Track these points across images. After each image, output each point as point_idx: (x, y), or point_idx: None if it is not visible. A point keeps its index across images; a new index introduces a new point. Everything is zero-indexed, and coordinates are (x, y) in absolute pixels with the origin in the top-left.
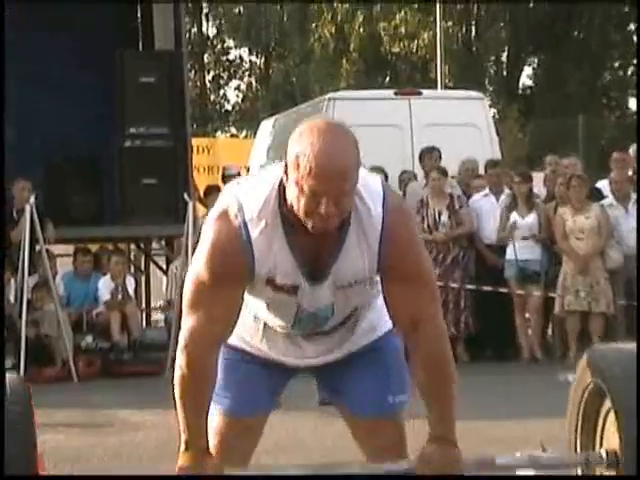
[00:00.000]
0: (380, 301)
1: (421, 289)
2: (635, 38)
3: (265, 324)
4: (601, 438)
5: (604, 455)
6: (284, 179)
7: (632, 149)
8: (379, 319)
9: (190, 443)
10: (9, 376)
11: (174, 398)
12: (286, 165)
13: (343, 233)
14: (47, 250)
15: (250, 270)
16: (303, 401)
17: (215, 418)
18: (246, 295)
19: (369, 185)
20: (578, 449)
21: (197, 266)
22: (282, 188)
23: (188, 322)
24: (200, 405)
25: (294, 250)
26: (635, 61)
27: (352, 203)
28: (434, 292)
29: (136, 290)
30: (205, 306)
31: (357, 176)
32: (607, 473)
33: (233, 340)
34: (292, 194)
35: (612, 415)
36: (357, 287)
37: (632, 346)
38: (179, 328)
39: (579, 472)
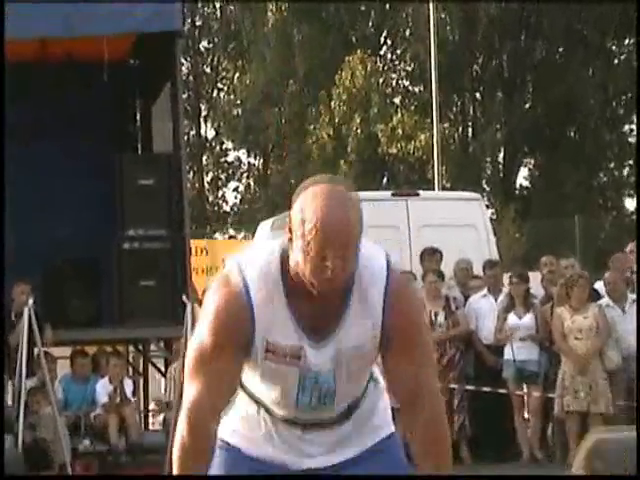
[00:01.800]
0: (382, 403)
1: (423, 362)
2: (631, 139)
3: (267, 410)
4: None
5: None
6: (288, 245)
7: (629, 248)
8: (382, 421)
9: None
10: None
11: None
12: (290, 229)
13: (346, 299)
14: (47, 353)
15: (251, 334)
16: None
17: None
18: (246, 379)
19: (372, 258)
20: None
21: (199, 333)
22: (284, 255)
23: (190, 391)
24: (199, 468)
25: (296, 315)
26: (632, 162)
27: (356, 264)
28: (433, 360)
29: (134, 392)
30: (206, 376)
31: (359, 241)
32: None
33: (229, 438)
34: (298, 258)
35: None
36: (359, 360)
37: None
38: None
39: None
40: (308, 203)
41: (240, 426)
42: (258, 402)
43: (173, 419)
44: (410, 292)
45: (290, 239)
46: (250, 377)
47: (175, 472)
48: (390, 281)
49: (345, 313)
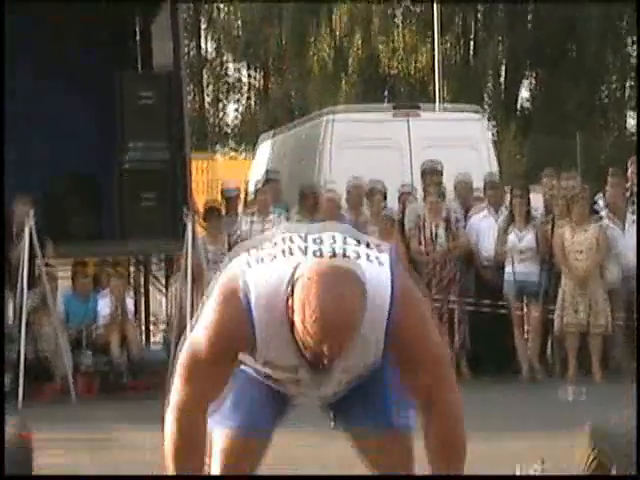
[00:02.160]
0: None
1: (435, 370)
2: (633, 57)
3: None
4: None
5: None
6: (290, 303)
7: (630, 168)
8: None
9: None
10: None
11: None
12: (293, 299)
13: None
14: (48, 272)
15: (250, 350)
16: (304, 416)
17: (220, 439)
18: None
19: (377, 284)
20: None
21: (197, 339)
22: (291, 290)
23: (181, 393)
24: (189, 469)
25: (298, 346)
26: (633, 78)
27: (351, 343)
28: (448, 367)
29: (135, 308)
30: (199, 382)
31: (360, 323)
32: None
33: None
34: (297, 327)
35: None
36: (363, 368)
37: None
38: (178, 347)
39: None
40: (312, 292)
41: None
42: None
43: (173, 336)
44: (414, 305)
45: (292, 302)
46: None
47: (169, 471)
48: (394, 305)
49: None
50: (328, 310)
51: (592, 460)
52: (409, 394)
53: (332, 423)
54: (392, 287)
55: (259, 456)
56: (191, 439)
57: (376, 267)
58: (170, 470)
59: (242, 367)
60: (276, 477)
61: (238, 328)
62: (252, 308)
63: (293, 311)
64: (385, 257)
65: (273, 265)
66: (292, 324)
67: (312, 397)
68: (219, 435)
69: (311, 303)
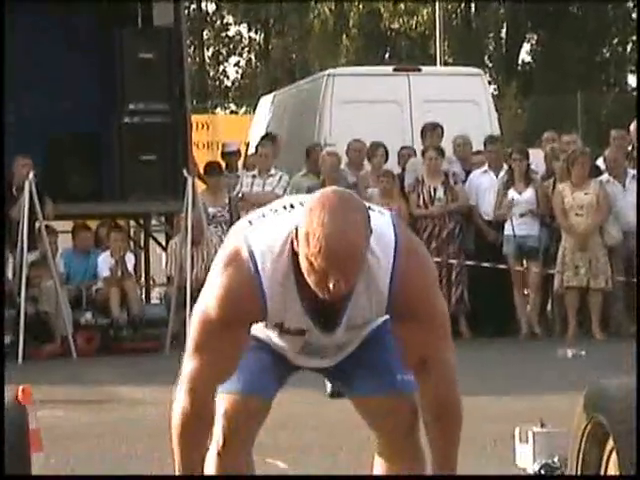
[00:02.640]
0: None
1: (433, 330)
2: (634, 15)
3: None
4: (606, 472)
5: None
6: (295, 245)
7: (632, 126)
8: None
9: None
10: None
11: (174, 378)
12: (297, 233)
13: (352, 289)
14: (48, 226)
15: (261, 316)
16: (305, 379)
17: (226, 399)
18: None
19: (380, 235)
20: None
21: (206, 308)
22: (292, 251)
23: (193, 364)
24: (198, 444)
25: (305, 302)
26: (635, 37)
27: (362, 273)
28: (445, 329)
29: (135, 266)
30: (211, 350)
31: (366, 252)
32: None
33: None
34: (303, 265)
35: (614, 456)
36: (367, 325)
37: (632, 382)
38: (178, 304)
39: None
40: (315, 219)
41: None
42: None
43: (173, 294)
44: (419, 267)
45: (297, 241)
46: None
47: (175, 448)
48: (397, 260)
49: (351, 300)
50: (332, 238)
51: (587, 429)
52: (408, 357)
53: (328, 392)
54: (396, 240)
55: (260, 417)
56: (200, 413)
57: (378, 217)
58: (176, 444)
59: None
60: (277, 477)
61: (246, 291)
62: (259, 269)
63: (297, 254)
64: (387, 213)
65: (275, 218)
66: (299, 276)
67: (314, 366)
68: (221, 399)
69: (315, 232)
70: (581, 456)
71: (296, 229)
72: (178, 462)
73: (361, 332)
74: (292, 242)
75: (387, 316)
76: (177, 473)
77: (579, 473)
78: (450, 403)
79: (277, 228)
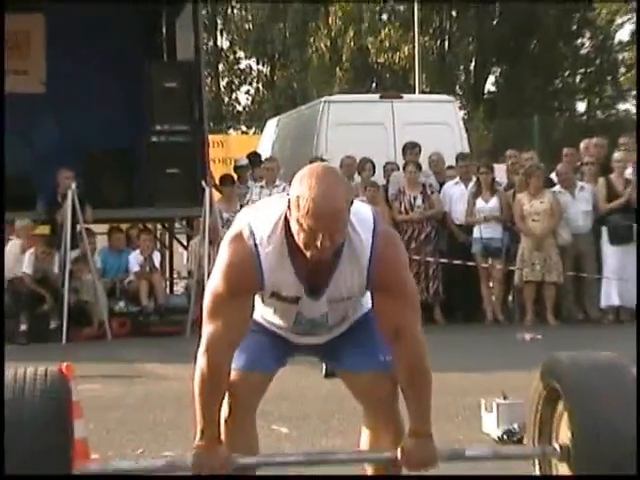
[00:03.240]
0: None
1: (404, 303)
2: (582, 51)
3: (273, 320)
4: (556, 434)
5: (557, 449)
6: (288, 213)
7: (582, 145)
8: (366, 301)
9: (205, 431)
10: (50, 370)
11: (194, 358)
12: (289, 202)
13: (337, 258)
14: (87, 229)
15: (260, 285)
16: (302, 359)
17: (230, 377)
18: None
19: (360, 215)
20: (536, 443)
21: (215, 281)
22: (287, 219)
23: (208, 329)
24: (216, 399)
25: (297, 271)
26: (582, 70)
27: (344, 236)
28: (415, 306)
29: (161, 263)
30: (222, 316)
31: (347, 216)
32: (560, 465)
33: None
34: (294, 228)
35: (565, 415)
36: (348, 301)
37: (584, 354)
38: (198, 294)
39: (536, 463)
40: (304, 185)
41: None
42: (264, 317)
43: (193, 286)
44: (393, 249)
45: (289, 209)
46: (258, 304)
47: (197, 403)
48: (376, 241)
49: (336, 271)
50: (319, 201)
51: (543, 394)
52: (382, 326)
53: (324, 373)
54: (374, 223)
55: (262, 388)
56: (216, 373)
57: (363, 205)
58: (197, 400)
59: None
60: (277, 477)
61: (248, 264)
62: (258, 244)
63: (290, 231)
64: (370, 206)
65: (273, 203)
66: (291, 248)
67: (308, 343)
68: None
69: (304, 196)
70: (538, 417)
71: (289, 201)
72: (199, 414)
73: (345, 310)
74: (285, 219)
75: (370, 306)
76: (199, 424)
77: (537, 432)
78: (420, 368)
79: (273, 210)
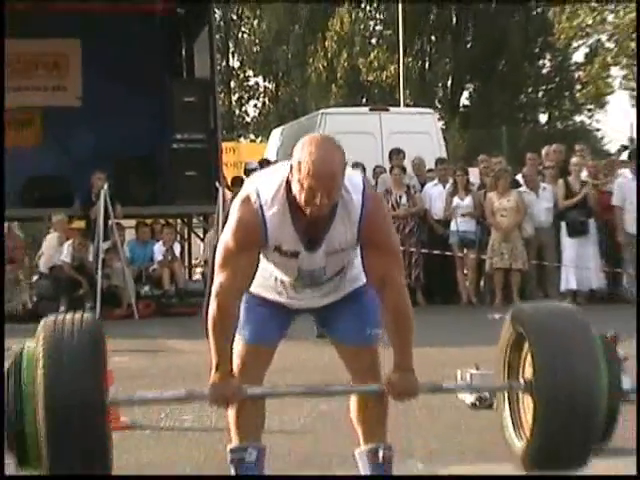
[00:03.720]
0: (359, 260)
1: (389, 256)
2: (544, 71)
3: (276, 278)
4: (523, 371)
5: (522, 383)
6: (290, 177)
7: (543, 151)
8: (359, 274)
9: (218, 366)
10: (87, 315)
11: (207, 332)
12: (292, 167)
13: (332, 215)
14: (117, 223)
15: (264, 240)
16: (303, 334)
17: (238, 347)
18: (262, 260)
19: (352, 180)
20: (505, 379)
21: (225, 237)
22: (289, 182)
23: (218, 277)
24: (226, 338)
25: (296, 227)
26: (545, 87)
27: (339, 196)
28: (399, 259)
29: (181, 253)
30: (231, 266)
31: (342, 177)
32: (525, 396)
33: (252, 289)
34: (295, 189)
35: (529, 354)
36: (342, 253)
37: (544, 303)
38: (212, 279)
39: (505, 395)
40: (305, 151)
41: (258, 284)
42: (270, 274)
43: (209, 273)
44: (380, 210)
45: (291, 173)
46: (264, 262)
47: (211, 343)
48: (365, 202)
49: (331, 226)
50: (318, 163)
51: (511, 337)
52: (371, 276)
53: (317, 334)
54: (363, 186)
55: (267, 360)
56: (227, 313)
57: (355, 172)
58: (211, 339)
59: (253, 292)
60: (277, 477)
61: (254, 222)
62: (263, 205)
63: (291, 191)
64: (359, 175)
65: (277, 170)
66: (292, 208)
67: (308, 301)
68: (237, 342)
69: (305, 159)
70: (507, 360)
71: (291, 166)
72: (213, 351)
73: (341, 264)
74: (287, 183)
75: (365, 280)
76: (213, 360)
77: (506, 372)
78: (403, 310)
79: (276, 176)
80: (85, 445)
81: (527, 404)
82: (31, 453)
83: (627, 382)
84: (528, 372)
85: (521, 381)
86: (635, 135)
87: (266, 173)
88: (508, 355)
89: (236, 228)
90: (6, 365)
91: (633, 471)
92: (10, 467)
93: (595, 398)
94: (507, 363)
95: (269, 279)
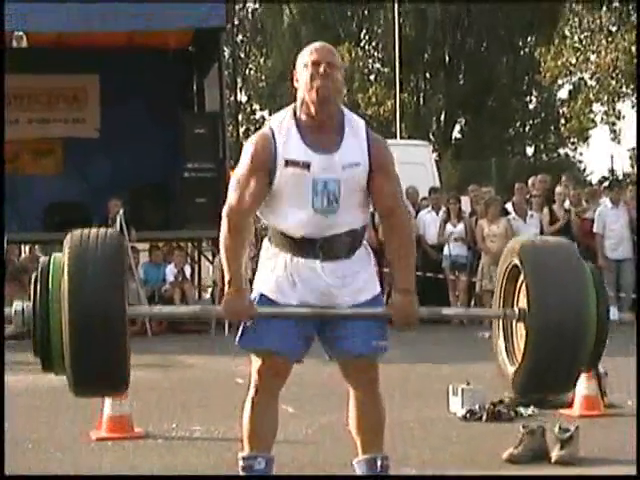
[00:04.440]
0: (371, 269)
1: (396, 185)
2: (531, 106)
3: (290, 251)
4: (518, 300)
5: (516, 311)
6: (295, 83)
7: (530, 181)
8: (370, 282)
9: (232, 282)
10: (110, 231)
11: (218, 351)
12: (296, 72)
13: (342, 131)
14: (132, 247)
15: (275, 157)
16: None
17: (258, 360)
18: (274, 220)
19: (357, 119)
20: (501, 307)
21: (241, 164)
22: (295, 108)
23: (230, 198)
24: (238, 255)
25: (305, 140)
26: (531, 121)
27: (340, 86)
28: (401, 191)
29: (191, 274)
30: (242, 187)
31: (340, 62)
32: (518, 324)
33: (263, 291)
34: (301, 77)
35: (524, 286)
36: (357, 171)
37: (540, 238)
38: (220, 301)
39: (500, 323)
40: (306, 49)
41: (266, 279)
42: (283, 247)
43: (217, 293)
44: (382, 139)
45: (297, 81)
46: (277, 213)
47: (222, 261)
48: (368, 131)
49: (343, 139)
50: (319, 45)
51: (507, 270)
52: (379, 202)
53: (327, 358)
54: (366, 123)
55: (283, 375)
56: (238, 229)
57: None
58: (223, 256)
59: (265, 294)
60: (277, 477)
61: (264, 141)
62: (272, 127)
63: (297, 113)
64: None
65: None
66: (298, 123)
67: (318, 281)
68: (256, 358)
69: (307, 47)
70: (503, 290)
71: (295, 71)
72: (226, 268)
73: (353, 177)
74: (293, 111)
75: (378, 290)
76: (226, 276)
77: (501, 303)
78: (408, 235)
79: (284, 109)
80: (105, 354)
81: (520, 332)
82: (55, 358)
83: (614, 313)
84: (522, 302)
85: (515, 309)
86: (614, 167)
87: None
88: (504, 284)
89: (250, 154)
90: (34, 274)
91: (633, 471)
92: (10, 467)
93: (584, 325)
94: (503, 291)
95: (276, 258)
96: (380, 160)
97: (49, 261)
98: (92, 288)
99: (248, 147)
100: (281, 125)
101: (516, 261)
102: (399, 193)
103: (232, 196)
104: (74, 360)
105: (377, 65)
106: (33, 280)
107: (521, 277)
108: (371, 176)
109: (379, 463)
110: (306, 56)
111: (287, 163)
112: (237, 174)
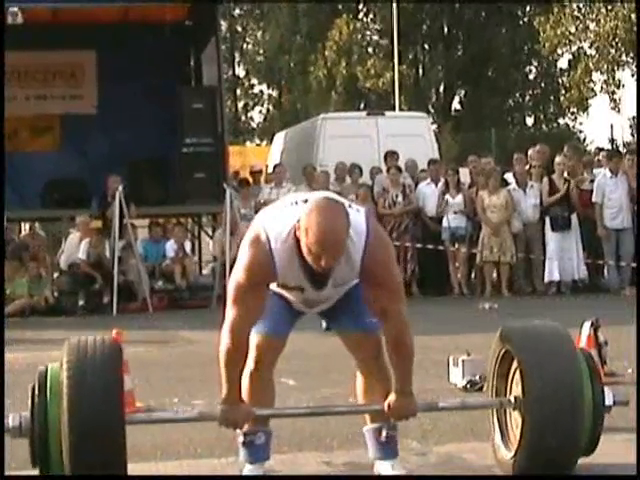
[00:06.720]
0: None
1: (390, 292)
2: (531, 76)
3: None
4: (510, 388)
5: (512, 400)
6: (298, 234)
7: (530, 151)
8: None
9: (228, 394)
10: (105, 338)
11: (218, 325)
12: (300, 228)
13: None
14: (131, 223)
15: (273, 277)
16: (307, 325)
17: (256, 338)
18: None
19: (356, 228)
20: (494, 395)
21: (238, 276)
22: (297, 235)
23: (232, 314)
24: (237, 370)
25: (304, 270)
26: (531, 91)
27: (344, 254)
28: (400, 293)
29: (192, 249)
30: (243, 303)
31: (346, 238)
32: (513, 412)
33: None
34: (303, 249)
35: (517, 373)
36: (346, 284)
37: (531, 323)
38: (221, 275)
39: (494, 412)
40: (312, 219)
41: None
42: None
43: (217, 268)
44: (381, 246)
45: (300, 232)
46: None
47: (222, 372)
48: (368, 246)
49: (336, 269)
50: (324, 233)
51: (500, 353)
52: (372, 309)
53: (324, 328)
54: (367, 230)
55: (278, 350)
56: (239, 348)
57: (355, 213)
58: (222, 369)
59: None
60: (276, 477)
61: (264, 262)
62: (272, 247)
63: (299, 240)
64: (362, 210)
65: (284, 211)
66: (300, 253)
67: (311, 309)
68: (254, 336)
69: (312, 228)
70: (496, 372)
71: (298, 221)
72: (224, 380)
73: (343, 288)
74: (295, 231)
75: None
76: (223, 388)
77: (494, 386)
78: (403, 341)
79: (285, 219)
80: (104, 460)
81: (515, 419)
82: (53, 464)
83: (609, 397)
84: (516, 388)
85: (511, 398)
86: (613, 136)
87: (272, 214)
88: (496, 370)
89: (248, 267)
90: (31, 384)
91: (633, 471)
92: (10, 467)
93: (580, 413)
94: (497, 373)
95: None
96: (374, 274)
97: (46, 373)
98: (90, 402)
99: (247, 257)
100: (282, 248)
101: (508, 347)
102: (395, 298)
103: (234, 311)
104: (75, 467)
105: (375, 37)
106: (30, 392)
107: (515, 363)
108: (364, 282)
109: (384, 433)
110: (310, 237)
111: (283, 286)
112: (236, 283)
